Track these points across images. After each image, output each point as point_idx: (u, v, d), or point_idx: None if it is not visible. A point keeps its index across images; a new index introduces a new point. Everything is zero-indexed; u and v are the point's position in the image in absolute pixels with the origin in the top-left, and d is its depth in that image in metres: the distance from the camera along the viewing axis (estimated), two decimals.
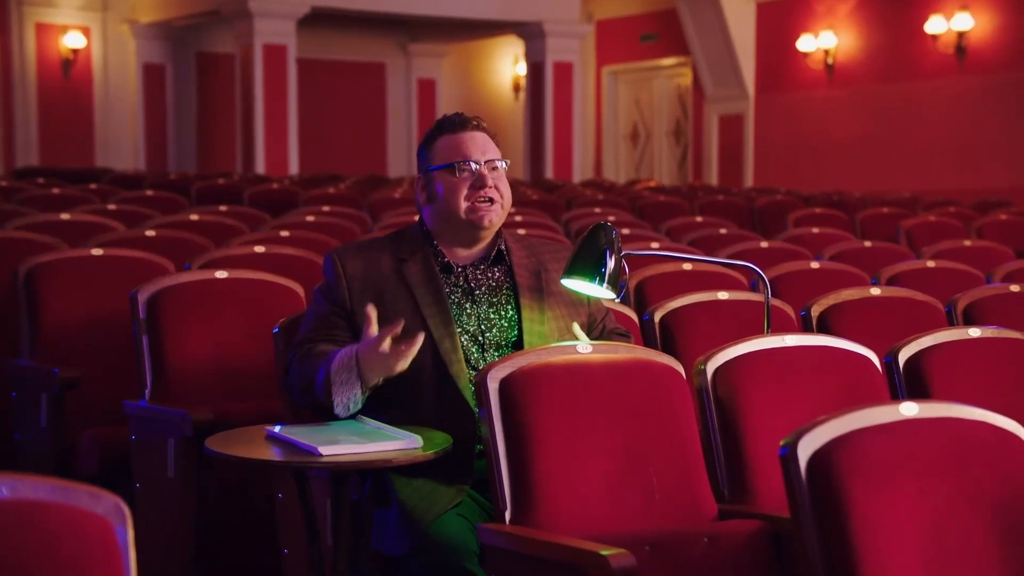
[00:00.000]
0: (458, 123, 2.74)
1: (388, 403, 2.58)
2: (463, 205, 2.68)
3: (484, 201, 2.68)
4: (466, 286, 2.70)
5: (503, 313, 2.70)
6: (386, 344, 2.46)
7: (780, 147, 14.11)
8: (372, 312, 2.50)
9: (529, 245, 2.83)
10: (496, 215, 2.70)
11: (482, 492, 2.53)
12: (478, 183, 2.68)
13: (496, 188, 2.69)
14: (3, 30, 14.15)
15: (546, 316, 2.71)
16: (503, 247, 2.76)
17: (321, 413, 2.62)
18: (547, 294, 2.73)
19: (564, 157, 14.58)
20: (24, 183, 8.33)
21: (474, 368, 2.62)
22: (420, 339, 2.48)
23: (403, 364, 2.48)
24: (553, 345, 2.56)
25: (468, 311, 2.68)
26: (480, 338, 2.67)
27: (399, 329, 2.47)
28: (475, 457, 2.54)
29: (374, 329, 2.48)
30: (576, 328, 2.69)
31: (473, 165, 2.69)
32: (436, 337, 2.61)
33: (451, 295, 2.69)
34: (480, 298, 2.70)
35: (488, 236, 2.74)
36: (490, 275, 2.73)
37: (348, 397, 2.51)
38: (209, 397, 3.26)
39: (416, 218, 2.84)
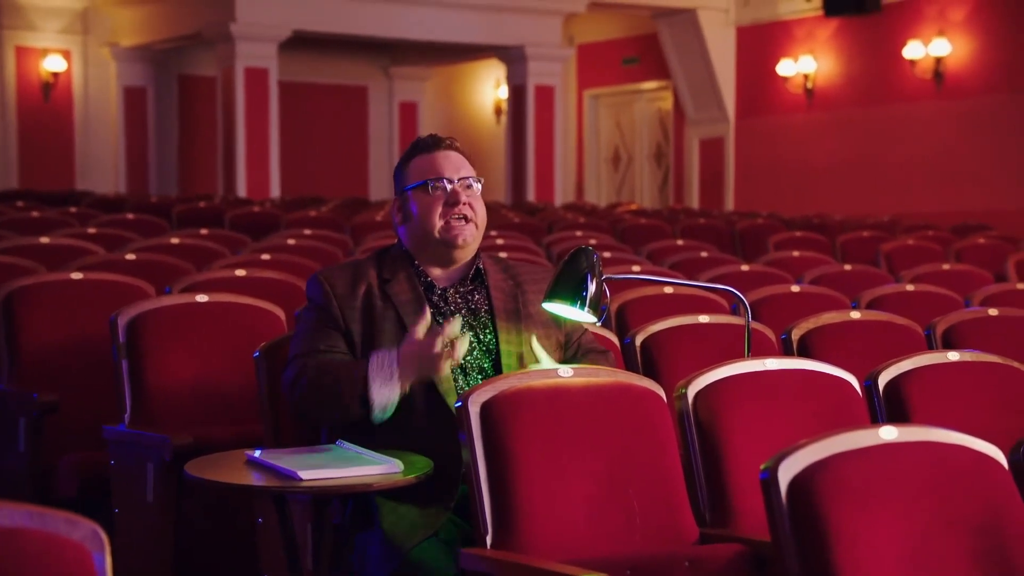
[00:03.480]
0: (431, 143, 2.76)
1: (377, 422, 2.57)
2: (437, 224, 2.68)
3: (458, 219, 2.68)
4: (446, 310, 2.71)
5: (481, 338, 2.70)
6: (438, 344, 2.48)
7: (761, 171, 14.18)
8: (423, 322, 2.52)
9: (506, 267, 2.83)
10: (471, 234, 2.70)
11: (464, 516, 2.52)
12: (451, 200, 2.68)
13: (470, 206, 2.69)
14: None
15: (523, 339, 2.71)
16: (480, 267, 2.77)
17: (332, 430, 2.62)
18: (524, 316, 2.74)
19: (546, 180, 14.61)
20: (3, 206, 8.29)
21: (459, 391, 2.62)
22: (466, 340, 2.53)
23: (450, 364, 2.52)
24: (534, 369, 2.56)
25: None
26: (462, 361, 2.66)
27: (449, 330, 2.51)
28: (460, 480, 2.53)
29: (420, 331, 2.51)
30: (535, 344, 2.69)
31: (446, 183, 2.69)
32: None
33: (433, 317, 2.69)
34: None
35: (463, 256, 2.74)
36: (468, 299, 2.73)
37: (388, 399, 2.53)
38: (189, 421, 3.24)
39: (396, 240, 2.84)
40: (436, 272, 2.74)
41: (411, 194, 2.72)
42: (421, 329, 2.52)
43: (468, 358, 2.67)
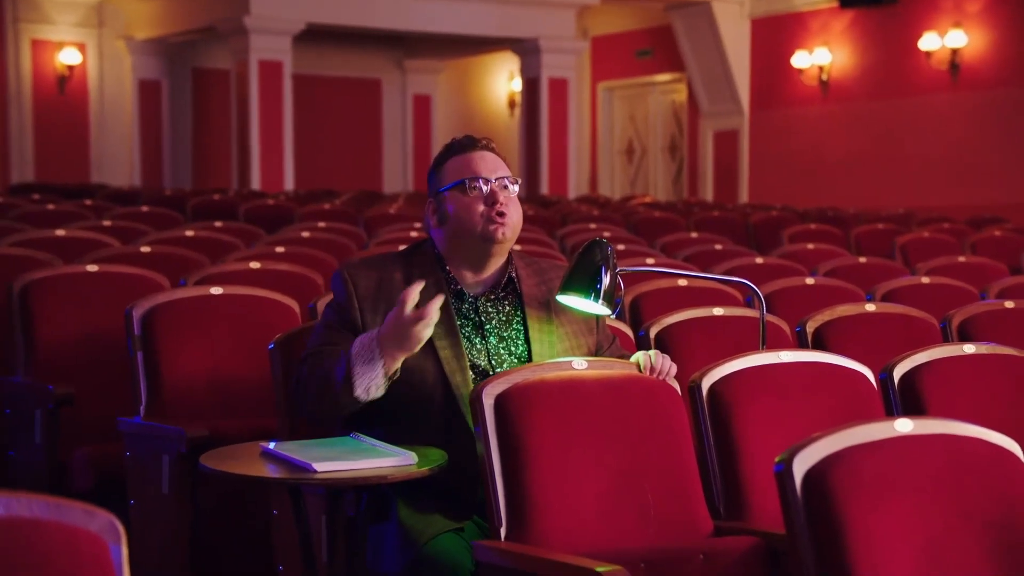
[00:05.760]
0: (467, 144, 2.70)
1: (398, 431, 2.55)
2: (476, 221, 2.63)
3: (497, 216, 2.63)
4: (476, 319, 2.66)
5: (513, 349, 2.66)
6: (407, 310, 2.39)
7: (775, 163, 14.14)
8: (409, 295, 2.41)
9: (539, 270, 2.77)
10: (509, 229, 2.64)
11: (485, 517, 2.50)
12: (489, 199, 2.63)
13: (507, 206, 2.64)
14: None
15: (556, 351, 2.67)
16: (514, 275, 2.72)
17: (333, 424, 2.60)
18: (557, 325, 2.70)
19: (559, 173, 14.60)
20: (19, 199, 8.33)
21: None
22: (439, 301, 2.41)
23: (425, 332, 2.41)
24: (548, 361, 2.55)
25: (478, 346, 2.64)
26: (490, 372, 2.61)
27: (411, 297, 2.40)
28: (479, 478, 2.51)
29: (408, 305, 2.41)
30: None
31: (483, 182, 2.65)
32: (447, 371, 2.57)
33: (462, 327, 2.64)
34: (490, 332, 2.65)
35: (499, 253, 2.68)
36: (500, 308, 2.68)
37: (370, 379, 2.46)
38: (204, 413, 3.25)
39: (413, 234, 2.82)
40: (468, 277, 2.68)
41: (447, 195, 2.67)
42: (409, 305, 2.41)
43: (499, 369, 2.62)
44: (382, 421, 2.57)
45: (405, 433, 2.54)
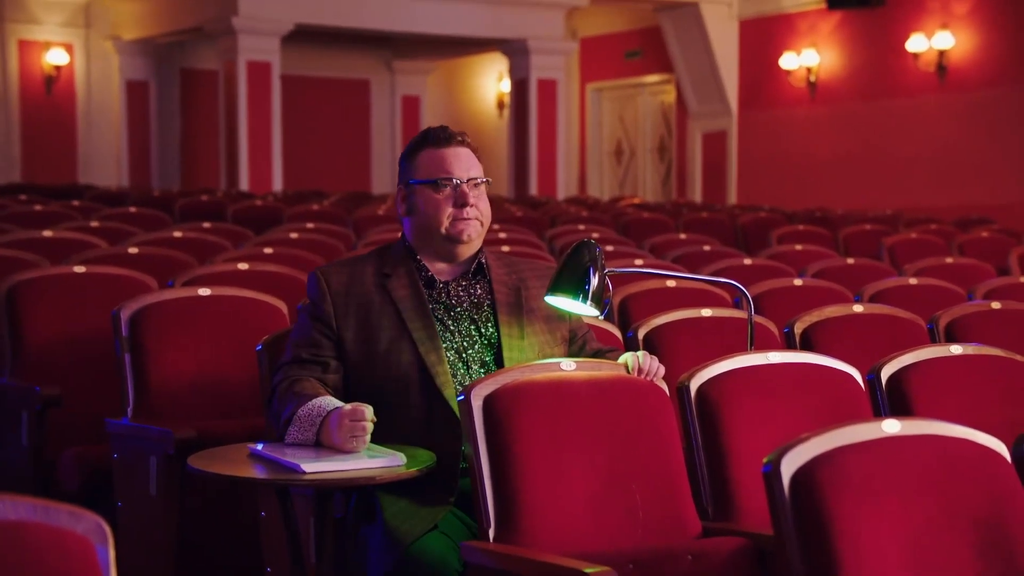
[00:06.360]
0: (443, 138, 2.73)
1: (378, 415, 2.56)
2: (444, 222, 2.68)
3: (464, 219, 2.68)
4: (447, 302, 2.71)
5: (483, 331, 2.70)
6: (366, 413, 2.44)
7: (763, 164, 14.17)
8: (368, 409, 2.46)
9: (510, 262, 2.83)
10: (475, 231, 2.71)
11: (466, 510, 2.52)
12: (459, 201, 2.68)
13: (476, 207, 2.70)
14: None
15: (525, 332, 2.71)
16: (483, 261, 2.77)
17: None
18: (526, 311, 2.74)
19: (548, 174, 14.61)
20: (6, 200, 8.30)
21: (460, 383, 2.62)
22: (369, 426, 2.45)
23: (358, 445, 2.44)
24: (537, 363, 2.56)
25: (451, 328, 2.69)
26: (464, 354, 2.67)
27: (369, 413, 2.46)
28: (460, 473, 2.54)
29: (359, 409, 2.45)
30: None
31: (455, 182, 2.69)
32: (422, 351, 2.61)
33: (434, 311, 2.69)
34: (461, 315, 2.70)
35: (467, 252, 2.74)
36: (471, 292, 2.73)
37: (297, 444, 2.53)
38: (192, 415, 3.25)
39: (399, 235, 2.84)
40: (438, 266, 2.74)
41: (418, 188, 2.71)
42: (360, 410, 2.46)
43: (471, 351, 2.68)
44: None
45: (386, 416, 2.56)
